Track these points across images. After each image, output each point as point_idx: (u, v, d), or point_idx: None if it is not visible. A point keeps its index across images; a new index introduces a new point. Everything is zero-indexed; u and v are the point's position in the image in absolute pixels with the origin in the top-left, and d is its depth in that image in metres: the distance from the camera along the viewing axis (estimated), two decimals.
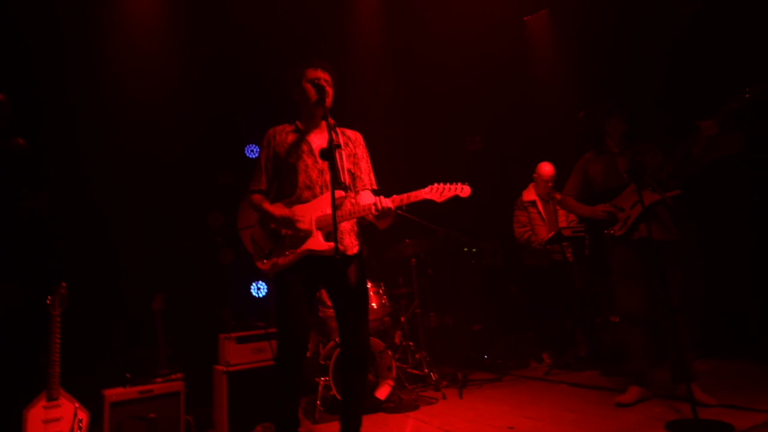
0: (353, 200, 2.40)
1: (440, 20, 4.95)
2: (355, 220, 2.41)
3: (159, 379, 2.87)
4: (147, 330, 3.22)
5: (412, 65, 5.29)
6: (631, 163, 2.93)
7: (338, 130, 2.41)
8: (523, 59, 5.38)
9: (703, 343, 3.86)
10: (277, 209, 2.32)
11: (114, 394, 2.72)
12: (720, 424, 2.28)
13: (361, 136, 2.54)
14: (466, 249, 5.09)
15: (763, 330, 3.61)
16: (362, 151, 2.51)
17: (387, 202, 2.19)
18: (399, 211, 3.87)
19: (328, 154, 2.01)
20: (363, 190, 2.45)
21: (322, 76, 2.36)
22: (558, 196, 4.06)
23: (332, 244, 2.10)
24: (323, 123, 2.40)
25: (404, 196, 2.24)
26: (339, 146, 2.18)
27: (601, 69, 4.58)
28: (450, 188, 2.22)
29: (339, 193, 2.17)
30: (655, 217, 2.92)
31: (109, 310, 3.75)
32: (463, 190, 2.23)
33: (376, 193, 2.45)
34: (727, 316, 3.88)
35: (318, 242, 2.24)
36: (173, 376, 2.92)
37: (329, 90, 2.34)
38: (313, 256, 2.25)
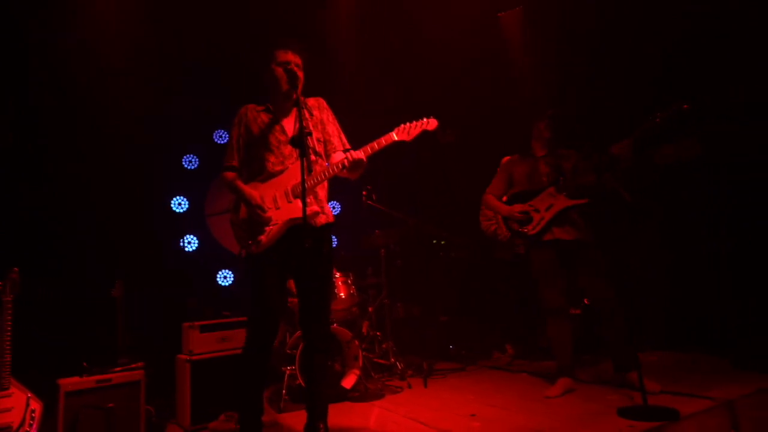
0: (323, 163, 2.40)
1: (417, 12, 4.94)
2: (326, 188, 2.42)
3: (118, 368, 2.79)
4: (107, 318, 3.12)
5: (388, 57, 5.26)
6: (552, 167, 3.15)
7: (305, 112, 2.38)
8: (498, 54, 5.43)
9: (660, 338, 4.07)
10: (249, 189, 2.29)
11: (69, 383, 2.61)
12: (667, 409, 2.42)
13: (323, 101, 2.52)
14: (435, 241, 5.16)
15: (730, 329, 3.71)
16: (327, 115, 2.50)
17: (358, 154, 2.23)
18: (370, 201, 3.90)
19: (299, 141, 2.00)
20: (334, 152, 2.45)
21: (293, 59, 2.33)
22: None
23: (313, 208, 2.24)
24: (294, 109, 2.37)
25: (374, 143, 2.26)
26: (310, 133, 2.16)
27: (572, 66, 4.69)
28: (416, 125, 2.25)
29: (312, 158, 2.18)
30: (569, 220, 3.11)
31: (66, 297, 3.61)
32: (429, 123, 2.25)
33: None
34: (693, 315, 4.00)
35: (299, 209, 2.17)
36: (133, 365, 2.84)
37: (300, 75, 2.31)
38: (293, 227, 2.24)
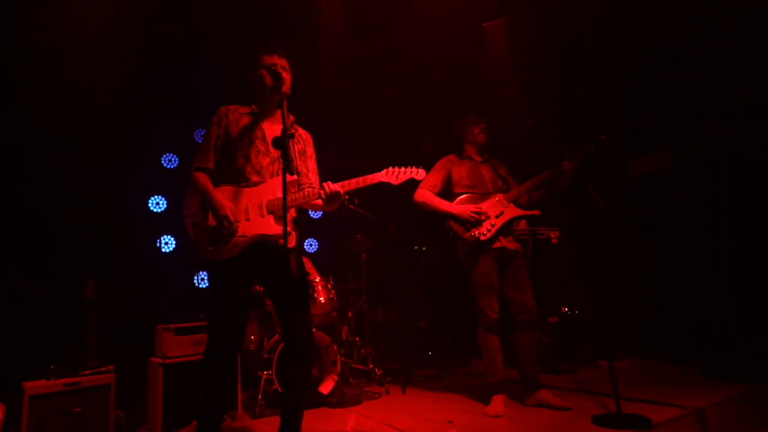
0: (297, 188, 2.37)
1: (401, 21, 4.96)
2: (294, 211, 2.38)
3: (87, 372, 2.70)
4: (77, 319, 3.03)
5: (371, 65, 5.28)
6: (494, 174, 3.22)
7: (294, 131, 2.39)
8: (481, 63, 5.50)
9: (632, 346, 4.14)
10: (220, 197, 2.20)
11: (35, 386, 2.52)
12: (639, 417, 2.46)
13: (311, 138, 2.53)
14: (416, 247, 5.16)
15: (702, 339, 3.78)
16: (311, 151, 2.51)
17: (335, 187, 2.20)
18: (352, 206, 3.88)
19: (282, 143, 1.97)
20: (308, 187, 2.42)
21: (279, 62, 2.30)
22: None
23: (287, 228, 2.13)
24: (278, 111, 2.33)
25: (360, 179, 2.25)
26: (293, 135, 2.13)
27: (553, 77, 4.78)
28: (405, 171, 2.28)
29: (290, 177, 2.12)
30: (511, 230, 3.13)
31: (35, 297, 3.49)
32: (418, 173, 2.30)
33: None
34: (666, 325, 4.06)
35: (270, 226, 2.18)
36: (103, 368, 2.75)
37: (286, 76, 2.28)
38: (261, 242, 2.19)
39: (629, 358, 4.08)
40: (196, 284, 4.56)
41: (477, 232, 3.01)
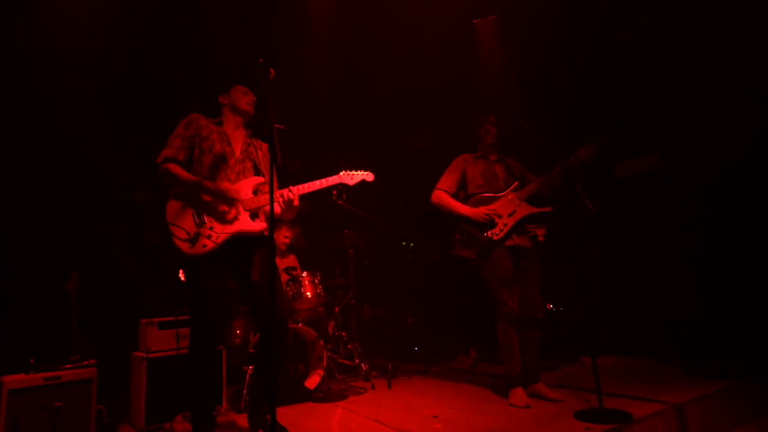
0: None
1: (390, 15, 4.94)
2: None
3: (68, 366, 2.66)
4: (60, 312, 2.97)
5: (359, 60, 5.25)
6: (507, 173, 3.26)
7: (254, 141, 2.62)
8: (471, 60, 5.51)
9: (617, 344, 4.20)
10: (208, 182, 2.38)
11: (14, 380, 2.47)
12: (621, 412, 2.50)
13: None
14: (404, 243, 5.17)
15: (682, 338, 3.80)
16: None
17: (290, 195, 2.41)
18: (340, 201, 3.87)
19: (270, 135, 2.00)
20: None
21: (251, 97, 2.61)
22: None
23: (262, 225, 2.45)
24: (241, 131, 2.62)
25: (317, 182, 2.47)
26: (281, 130, 2.18)
27: (541, 76, 4.80)
28: (358, 174, 2.60)
29: (264, 178, 2.45)
30: (524, 228, 3.19)
31: (15, 289, 3.42)
32: (368, 176, 2.61)
33: None
34: (648, 323, 4.10)
35: (248, 222, 2.41)
36: (85, 363, 2.71)
37: (252, 112, 2.61)
38: (239, 236, 2.37)
39: (613, 355, 4.14)
40: (182, 278, 4.50)
41: (490, 232, 3.08)
